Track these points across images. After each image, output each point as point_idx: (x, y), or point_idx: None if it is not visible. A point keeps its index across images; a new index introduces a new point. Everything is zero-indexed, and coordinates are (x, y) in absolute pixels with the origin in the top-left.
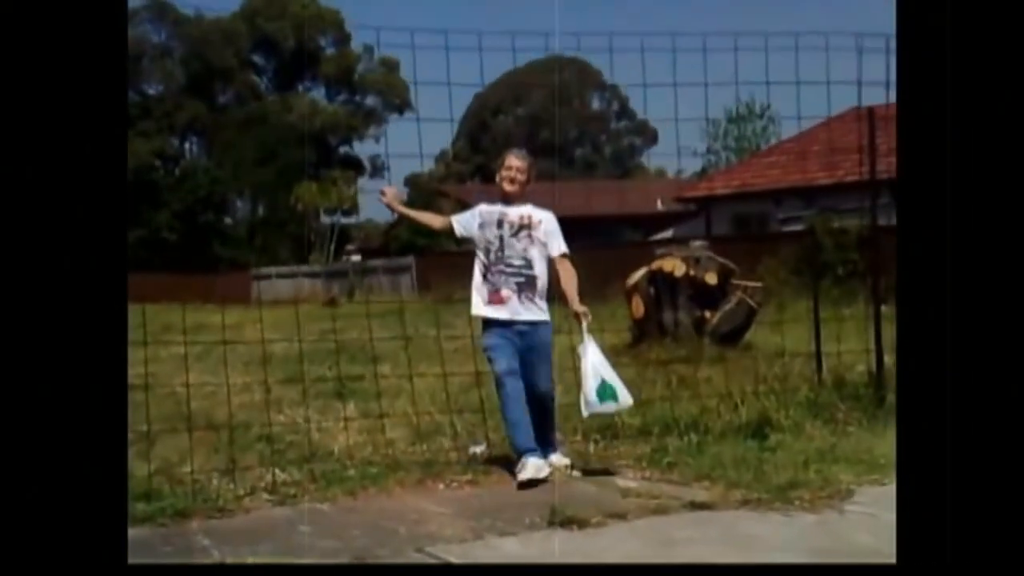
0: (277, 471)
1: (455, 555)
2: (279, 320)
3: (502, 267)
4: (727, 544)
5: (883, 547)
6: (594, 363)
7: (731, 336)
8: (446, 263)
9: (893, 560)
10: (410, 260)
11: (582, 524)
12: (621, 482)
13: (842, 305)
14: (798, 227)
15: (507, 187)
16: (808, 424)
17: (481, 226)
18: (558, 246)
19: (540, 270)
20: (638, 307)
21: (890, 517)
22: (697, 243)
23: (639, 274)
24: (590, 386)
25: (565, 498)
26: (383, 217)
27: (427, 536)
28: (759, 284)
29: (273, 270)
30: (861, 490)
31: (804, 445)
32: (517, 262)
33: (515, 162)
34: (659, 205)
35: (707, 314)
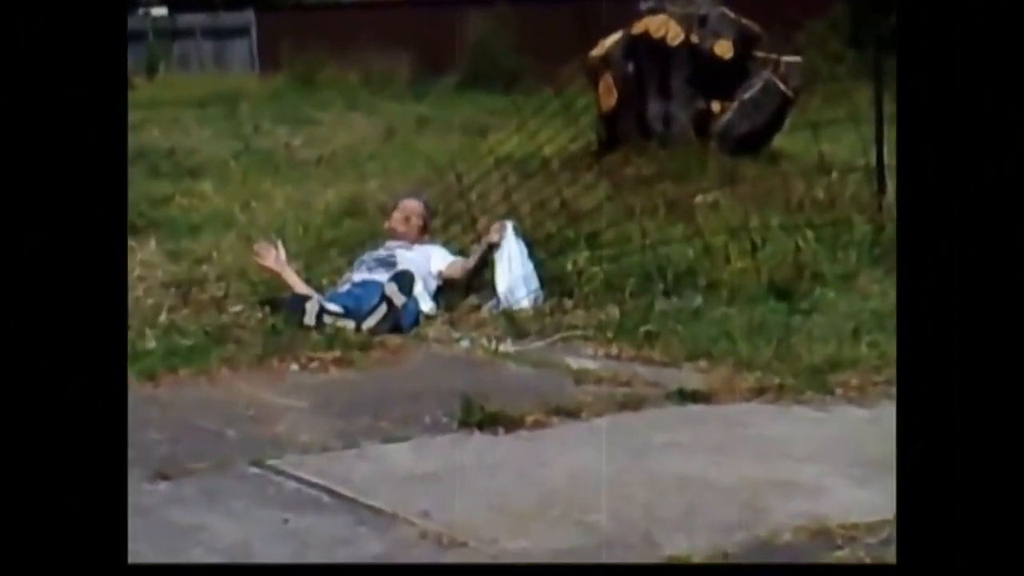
0: None
1: (311, 470)
2: None
3: None
4: (731, 454)
5: None
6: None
7: (752, 140)
8: (304, 23)
9: None
10: (248, 17)
11: (511, 424)
12: (574, 361)
13: None
14: None
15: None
16: (863, 275)
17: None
18: None
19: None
20: (608, 94)
21: None
22: None
23: (611, 40)
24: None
25: (487, 385)
26: None
27: (271, 441)
28: (798, 59)
29: None
30: None
31: (856, 306)
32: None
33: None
34: None
35: (715, 105)
